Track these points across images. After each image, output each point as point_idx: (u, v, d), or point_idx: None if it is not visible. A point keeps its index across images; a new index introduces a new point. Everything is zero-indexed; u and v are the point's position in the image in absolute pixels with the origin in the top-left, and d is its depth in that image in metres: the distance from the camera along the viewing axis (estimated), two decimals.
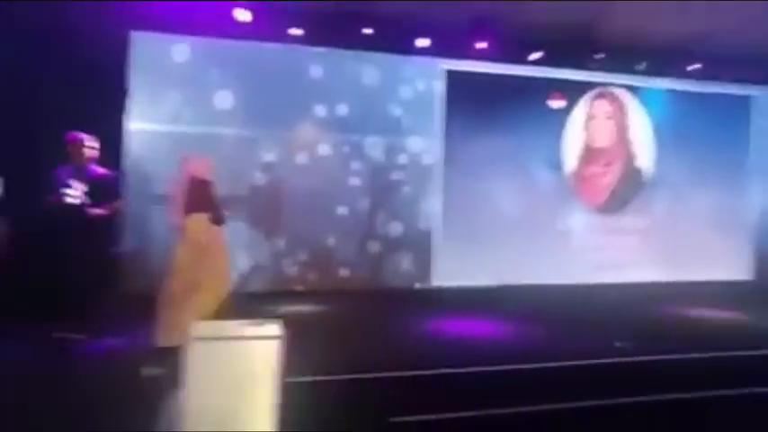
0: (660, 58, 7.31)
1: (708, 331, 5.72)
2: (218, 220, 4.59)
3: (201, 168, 4.64)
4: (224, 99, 6.61)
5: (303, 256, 6.91)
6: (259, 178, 6.78)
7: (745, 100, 8.35)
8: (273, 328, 3.08)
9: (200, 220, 4.49)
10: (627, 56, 7.23)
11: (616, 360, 4.59)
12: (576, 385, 4.13)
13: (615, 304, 6.85)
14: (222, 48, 6.48)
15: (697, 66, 7.42)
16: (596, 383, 4.17)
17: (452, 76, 7.22)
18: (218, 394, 2.87)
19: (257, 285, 6.72)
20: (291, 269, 6.90)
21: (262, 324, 3.13)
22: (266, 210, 6.82)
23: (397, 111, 7.14)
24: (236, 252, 6.66)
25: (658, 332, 5.62)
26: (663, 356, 4.68)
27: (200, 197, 4.52)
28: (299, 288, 6.87)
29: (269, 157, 6.78)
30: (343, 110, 6.95)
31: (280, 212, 6.88)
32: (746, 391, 3.99)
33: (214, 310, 4.34)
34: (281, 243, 6.85)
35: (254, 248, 6.77)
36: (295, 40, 6.46)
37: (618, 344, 4.80)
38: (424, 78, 7.20)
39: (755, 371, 4.49)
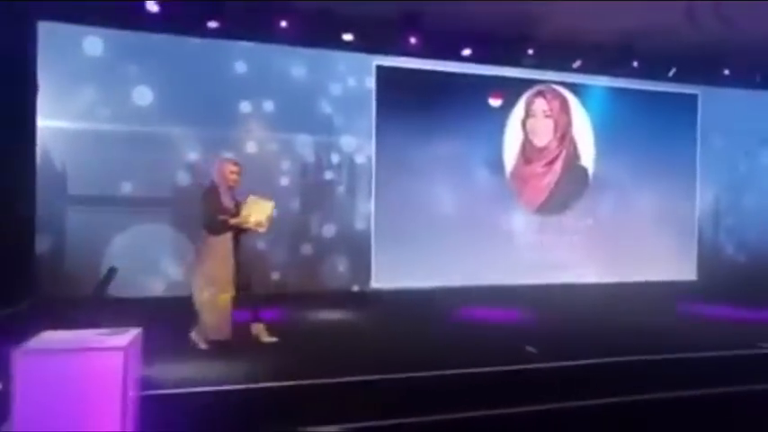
0: (600, 54, 7.23)
1: (650, 333, 5.44)
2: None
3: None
4: (142, 95, 6.30)
5: None
6: (182, 179, 6.47)
7: (692, 99, 8.35)
8: (122, 339, 2.75)
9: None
10: (564, 52, 7.14)
11: (560, 364, 4.27)
12: (517, 389, 3.88)
13: (554, 306, 6.67)
14: (139, 41, 6.19)
15: (636, 63, 7.36)
16: (540, 386, 3.93)
17: (384, 72, 7.04)
18: (52, 409, 2.53)
19: (183, 290, 6.35)
20: None
21: (120, 333, 2.83)
22: (190, 212, 6.48)
23: (327, 108, 6.91)
24: (160, 256, 6.36)
25: (598, 334, 5.38)
26: (608, 359, 4.39)
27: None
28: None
29: (192, 156, 6.47)
30: (270, 107, 6.69)
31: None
32: (687, 393, 3.78)
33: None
34: None
35: (179, 252, 6.42)
36: (214, 33, 6.22)
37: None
38: (354, 75, 7.00)
39: (700, 372, 4.26)
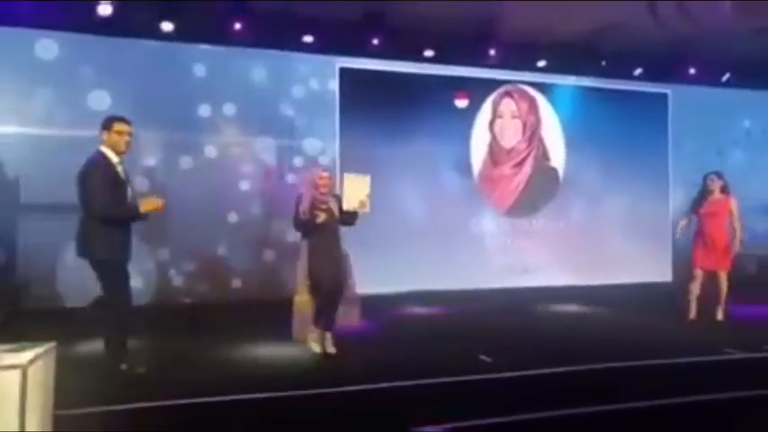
0: (564, 54, 7.16)
1: (625, 337, 5.30)
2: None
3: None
4: (99, 100, 6.19)
5: (190, 267, 6.45)
6: (140, 183, 6.33)
7: (662, 98, 8.28)
8: (24, 356, 2.55)
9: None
10: (528, 52, 7.07)
11: (527, 373, 4.10)
12: (493, 395, 3.72)
13: (525, 309, 6.55)
14: (93, 44, 6.09)
15: (603, 62, 7.28)
16: (516, 392, 3.78)
17: (347, 74, 6.95)
18: None
19: (140, 298, 6.21)
20: (177, 280, 6.42)
21: (24, 349, 2.62)
22: (149, 218, 6.35)
23: (289, 111, 6.82)
24: None
25: (571, 339, 5.22)
26: (582, 367, 4.24)
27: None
28: (187, 300, 6.39)
29: (150, 161, 6.36)
30: (230, 110, 6.59)
31: (163, 220, 6.41)
32: (660, 402, 3.55)
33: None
34: (165, 253, 6.39)
35: (136, 258, 6.26)
36: (170, 36, 6.13)
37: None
38: (317, 77, 6.91)
39: (677, 378, 4.08)
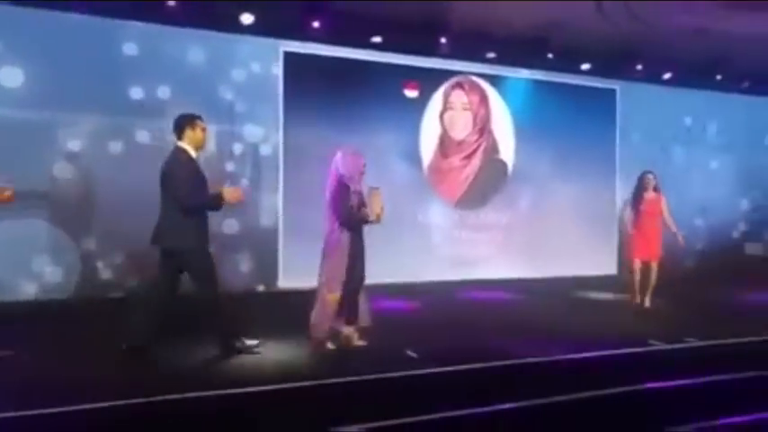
0: (514, 46, 7.06)
1: (570, 330, 5.23)
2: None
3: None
4: (11, 76, 5.65)
5: (120, 259, 6.03)
6: (62, 169, 5.86)
7: (611, 93, 8.32)
8: None
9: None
10: (478, 43, 6.93)
11: (487, 364, 4.03)
12: (439, 391, 3.56)
13: (477, 302, 6.43)
14: (6, 14, 5.55)
15: (551, 56, 7.22)
16: (465, 387, 3.65)
17: (292, 58, 6.64)
18: None
19: (64, 292, 5.77)
20: (106, 273, 5.99)
21: None
22: (72, 206, 5.90)
23: (229, 95, 6.45)
24: (37, 255, 5.74)
25: (518, 331, 5.13)
26: (527, 360, 4.16)
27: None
28: (117, 294, 5.97)
29: (74, 145, 5.88)
30: (164, 93, 6.17)
31: (90, 209, 5.98)
32: (609, 392, 3.53)
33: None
34: (91, 244, 5.94)
35: (59, 250, 5.82)
36: (98, 10, 5.67)
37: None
38: (259, 60, 6.57)
39: (624, 369, 4.06)
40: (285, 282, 6.59)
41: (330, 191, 4.37)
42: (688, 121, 8.77)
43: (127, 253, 6.01)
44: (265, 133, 6.58)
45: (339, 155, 4.50)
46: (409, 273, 6.94)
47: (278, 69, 6.63)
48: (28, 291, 5.65)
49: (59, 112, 5.79)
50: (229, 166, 6.45)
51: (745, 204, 9.14)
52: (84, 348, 4.35)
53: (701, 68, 7.87)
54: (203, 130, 4.19)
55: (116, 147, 6.02)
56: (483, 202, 7.56)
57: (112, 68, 5.94)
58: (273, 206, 6.64)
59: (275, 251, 6.60)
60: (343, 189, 4.32)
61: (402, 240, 7.03)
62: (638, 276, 6.26)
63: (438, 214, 7.34)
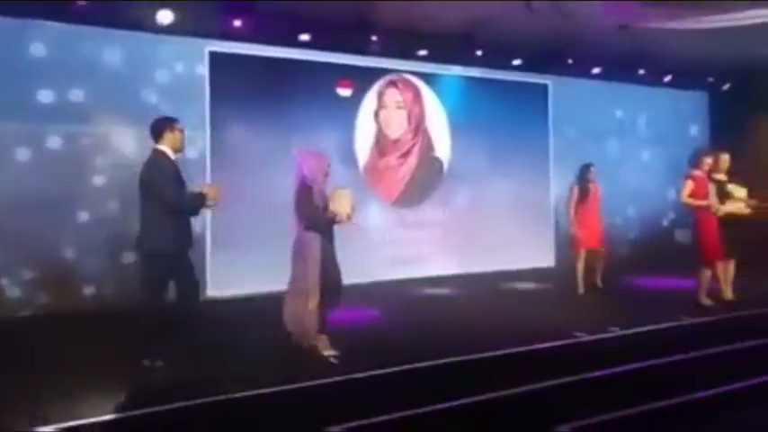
0: (444, 43, 7.03)
1: (514, 323, 5.27)
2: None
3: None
4: None
5: (30, 275, 5.62)
6: None
7: (543, 89, 8.44)
8: None
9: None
10: (408, 40, 6.87)
11: (422, 365, 3.94)
12: (370, 397, 3.47)
13: (414, 301, 6.36)
14: None
15: (480, 52, 7.24)
16: (400, 389, 3.57)
17: (218, 58, 6.39)
18: None
19: None
20: (13, 291, 5.57)
21: None
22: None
23: (152, 97, 6.15)
24: None
25: (459, 328, 5.09)
26: (472, 356, 4.11)
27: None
28: (26, 313, 5.56)
29: None
30: (77, 96, 5.82)
31: None
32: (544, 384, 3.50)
33: None
34: None
35: None
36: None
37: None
38: (183, 61, 6.30)
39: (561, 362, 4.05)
40: (213, 291, 6.32)
41: (294, 193, 4.22)
42: (619, 113, 9.04)
43: (38, 268, 5.62)
44: (191, 135, 6.25)
45: (300, 156, 4.33)
46: (349, 274, 6.77)
47: (203, 70, 6.38)
48: None
49: None
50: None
51: (673, 194, 9.46)
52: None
53: (626, 63, 8.10)
54: (181, 131, 4.20)
55: (24, 154, 5.62)
56: (420, 201, 7.52)
57: (18, 70, 5.55)
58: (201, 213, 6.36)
59: (202, 258, 6.32)
60: (305, 190, 4.16)
61: (340, 242, 6.86)
62: (581, 267, 6.45)
63: (376, 214, 7.23)
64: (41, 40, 5.66)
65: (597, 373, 3.69)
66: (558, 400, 3.39)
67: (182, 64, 6.30)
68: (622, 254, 8.48)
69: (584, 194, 6.47)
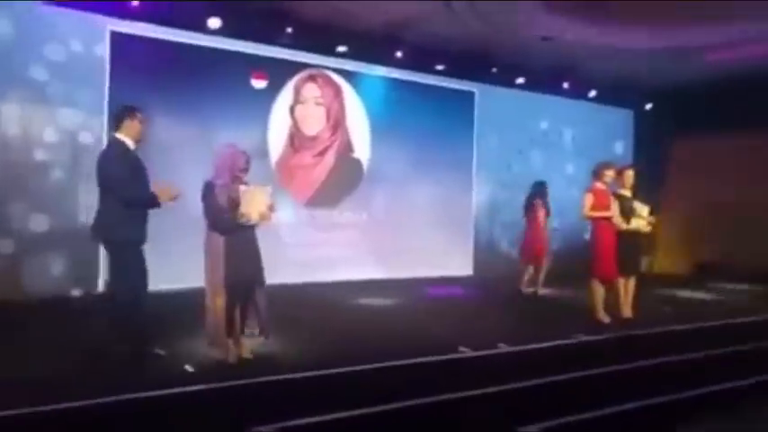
0: (365, 41, 6.88)
1: (430, 332, 5.08)
2: None
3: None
4: None
5: None
6: None
7: (469, 96, 8.40)
8: None
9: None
10: (326, 35, 6.69)
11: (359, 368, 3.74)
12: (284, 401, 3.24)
13: (325, 305, 6.14)
14: None
15: (401, 53, 7.12)
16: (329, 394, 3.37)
17: (120, 38, 6.04)
18: None
19: None
20: None
21: None
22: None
23: (41, 74, 5.75)
24: None
25: (369, 336, 4.90)
26: (382, 364, 3.89)
27: None
28: None
29: None
30: None
31: None
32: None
33: None
34: None
35: None
36: None
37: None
38: (80, 38, 5.92)
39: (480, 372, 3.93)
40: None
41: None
42: (544, 125, 9.10)
43: None
44: (85, 118, 5.93)
45: (215, 151, 4.12)
46: None
47: (104, 50, 6.02)
48: None
49: None
50: (40, 155, 5.74)
51: None
52: None
53: (550, 75, 8.15)
54: (141, 121, 4.08)
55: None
56: (336, 202, 7.33)
57: None
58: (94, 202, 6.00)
59: (96, 251, 5.96)
60: (207, 188, 3.89)
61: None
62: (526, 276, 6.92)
63: (287, 214, 6.97)
64: None
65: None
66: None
67: (79, 42, 5.90)
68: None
69: (537, 209, 6.84)
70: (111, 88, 6.02)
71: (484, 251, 8.41)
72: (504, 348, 4.54)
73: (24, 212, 5.66)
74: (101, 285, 5.96)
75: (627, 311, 5.72)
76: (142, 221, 4.00)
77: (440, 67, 7.66)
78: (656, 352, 4.40)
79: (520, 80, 8.17)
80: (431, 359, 4.10)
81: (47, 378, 3.47)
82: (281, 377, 3.60)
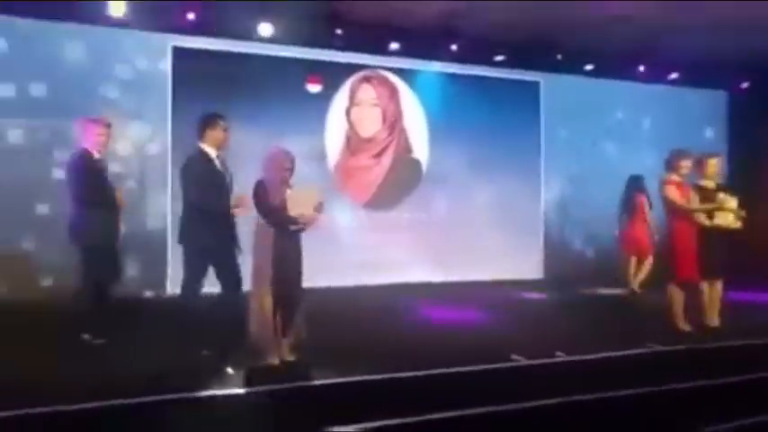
0: (419, 37, 6.73)
1: (494, 337, 4.87)
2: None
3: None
4: None
5: None
6: None
7: (534, 86, 7.96)
8: None
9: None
10: (377, 34, 6.61)
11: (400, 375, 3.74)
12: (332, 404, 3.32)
13: (388, 307, 6.03)
14: None
15: (455, 47, 6.88)
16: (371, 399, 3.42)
17: (181, 53, 6.35)
18: None
19: None
20: None
21: None
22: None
23: (113, 92, 6.17)
24: None
25: (431, 341, 4.75)
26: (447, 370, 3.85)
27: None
28: None
29: None
30: (39, 90, 5.90)
31: None
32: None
33: None
34: None
35: None
36: None
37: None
38: (146, 56, 6.29)
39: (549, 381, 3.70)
40: (174, 287, 6.26)
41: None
42: (620, 114, 8.44)
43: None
44: (153, 131, 6.29)
45: (271, 151, 4.16)
46: (312, 277, 6.59)
47: (166, 65, 6.36)
48: None
49: None
50: (114, 167, 6.15)
51: None
52: None
53: (623, 59, 7.52)
54: (225, 129, 4.21)
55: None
56: (395, 204, 7.22)
57: None
58: (162, 208, 6.34)
59: (164, 255, 6.30)
60: (258, 188, 3.97)
61: (307, 243, 6.69)
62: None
63: (346, 216, 7.00)
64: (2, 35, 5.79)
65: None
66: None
67: (144, 59, 6.29)
68: None
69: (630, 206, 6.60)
70: (173, 101, 6.35)
71: (555, 251, 7.94)
72: (562, 357, 4.21)
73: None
74: (169, 288, 6.31)
75: (712, 319, 5.07)
76: (225, 228, 4.09)
77: (499, 58, 7.31)
78: (746, 367, 3.88)
79: (588, 67, 7.62)
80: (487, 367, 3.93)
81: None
82: (354, 379, 3.67)
